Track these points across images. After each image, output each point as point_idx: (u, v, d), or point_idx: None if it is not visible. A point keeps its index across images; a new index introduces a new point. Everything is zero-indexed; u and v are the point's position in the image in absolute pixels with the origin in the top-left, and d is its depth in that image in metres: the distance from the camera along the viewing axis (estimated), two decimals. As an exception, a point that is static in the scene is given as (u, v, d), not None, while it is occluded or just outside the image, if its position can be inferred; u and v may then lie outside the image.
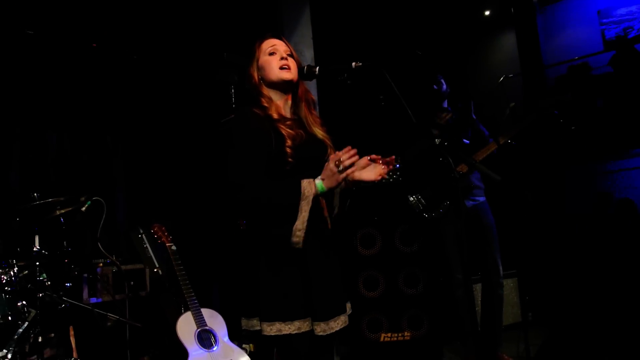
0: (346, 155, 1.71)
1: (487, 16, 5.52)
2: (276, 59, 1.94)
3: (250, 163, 1.79)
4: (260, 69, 1.96)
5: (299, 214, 1.74)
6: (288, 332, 1.76)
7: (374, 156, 1.85)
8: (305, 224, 1.75)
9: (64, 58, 3.83)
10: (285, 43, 2.01)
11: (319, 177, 1.77)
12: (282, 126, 1.85)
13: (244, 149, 1.81)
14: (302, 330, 1.78)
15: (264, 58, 1.96)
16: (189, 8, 4.00)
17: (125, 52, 3.81)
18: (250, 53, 2.01)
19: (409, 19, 4.93)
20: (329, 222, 1.94)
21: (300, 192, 1.74)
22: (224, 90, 3.81)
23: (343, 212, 2.01)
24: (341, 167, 1.72)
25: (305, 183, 1.76)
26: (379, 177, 1.86)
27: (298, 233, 1.75)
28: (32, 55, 3.73)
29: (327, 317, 1.81)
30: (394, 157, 1.85)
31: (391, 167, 1.85)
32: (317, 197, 1.77)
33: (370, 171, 1.86)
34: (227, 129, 1.90)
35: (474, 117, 3.36)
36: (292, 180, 1.78)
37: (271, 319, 1.77)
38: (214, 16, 4.05)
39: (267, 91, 1.95)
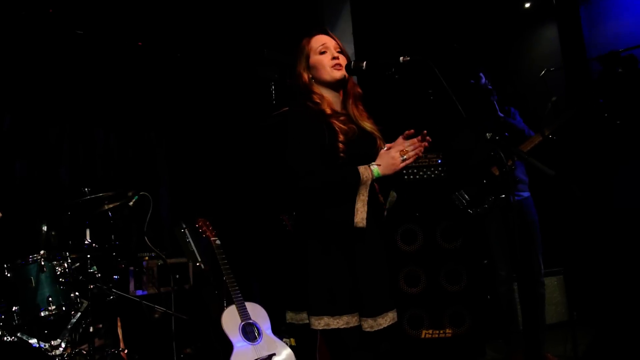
0: (412, 147, 1.79)
1: (527, 8, 5.40)
2: (328, 58, 1.94)
3: (309, 152, 1.82)
4: (311, 67, 1.96)
5: (358, 197, 1.79)
6: (336, 327, 1.77)
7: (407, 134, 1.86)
8: (365, 207, 1.79)
9: (111, 57, 3.94)
10: (334, 39, 2.01)
11: (374, 163, 1.81)
12: (335, 121, 1.86)
13: (302, 139, 1.84)
14: (351, 325, 1.79)
15: (315, 57, 1.96)
16: (230, 5, 4.04)
17: (169, 50, 3.89)
18: (297, 50, 2.00)
19: (449, 13, 4.87)
20: (381, 214, 1.96)
21: (360, 176, 1.79)
22: (264, 86, 3.85)
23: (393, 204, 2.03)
24: (405, 157, 1.78)
25: (362, 169, 1.80)
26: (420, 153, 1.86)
27: (360, 214, 1.78)
28: (81, 55, 3.84)
29: (375, 314, 1.81)
30: (425, 132, 1.85)
31: (425, 145, 1.85)
32: (373, 182, 1.82)
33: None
34: (278, 121, 1.93)
35: (501, 115, 3.29)
36: (349, 169, 1.82)
37: (320, 312, 1.78)
38: (254, 13, 4.08)
39: (318, 89, 1.96)
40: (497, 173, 3.15)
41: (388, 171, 1.80)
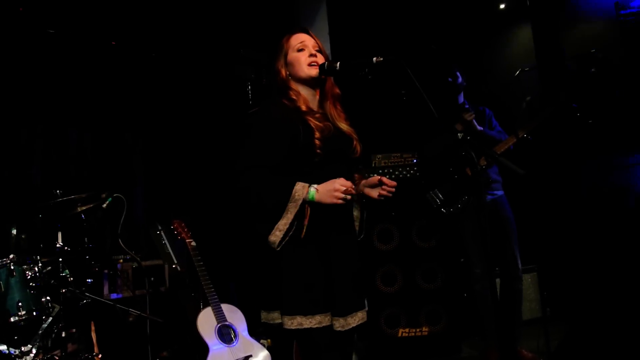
0: (352, 190, 1.79)
1: (502, 9, 5.47)
2: (305, 55, 1.95)
3: (259, 153, 1.80)
4: (288, 64, 1.97)
5: (284, 214, 1.76)
6: (309, 326, 1.78)
7: (384, 179, 1.92)
8: (287, 227, 1.77)
9: (84, 56, 3.87)
10: (314, 38, 2.02)
11: (315, 185, 1.78)
12: (311, 118, 1.86)
13: (258, 139, 1.83)
14: (323, 324, 1.80)
15: (292, 54, 1.97)
16: (206, 4, 4.01)
17: (143, 50, 3.84)
18: (277, 47, 2.02)
19: (425, 13, 4.90)
20: (357, 223, 1.99)
21: (291, 193, 1.76)
22: (240, 86, 3.82)
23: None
24: (345, 196, 1.76)
25: (299, 186, 1.77)
26: (378, 197, 1.94)
27: (277, 233, 1.77)
28: (53, 54, 3.77)
29: (345, 313, 1.83)
30: (395, 184, 1.92)
31: (391, 193, 1.92)
32: (305, 203, 1.77)
33: (375, 190, 1.95)
34: (250, 119, 1.92)
35: (480, 128, 3.32)
36: (288, 180, 1.79)
37: (292, 312, 1.79)
38: (231, 12, 4.05)
39: (295, 86, 1.96)
40: (470, 173, 3.19)
41: (324, 199, 1.76)
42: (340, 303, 1.82)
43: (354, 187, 1.80)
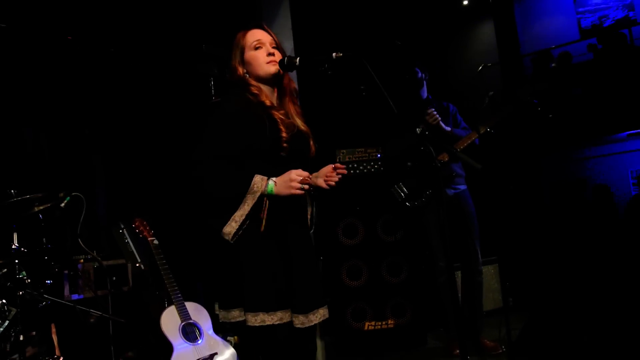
0: (309, 180, 1.79)
1: (465, 6, 5.56)
2: (263, 53, 1.93)
3: (218, 144, 1.79)
4: (246, 63, 1.94)
5: (241, 206, 1.76)
6: (271, 323, 1.77)
7: (338, 165, 1.90)
8: (243, 218, 1.76)
9: (38, 51, 3.75)
10: (270, 34, 1.99)
11: (273, 178, 1.78)
12: (276, 113, 1.86)
13: (217, 130, 1.81)
14: (285, 320, 1.80)
15: (250, 53, 1.94)
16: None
17: (101, 45, 3.74)
18: (231, 44, 1.98)
19: (389, 9, 4.93)
20: (309, 217, 1.98)
21: (250, 185, 1.75)
22: (203, 82, 3.77)
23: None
24: (302, 186, 1.76)
25: (257, 178, 1.77)
26: (326, 186, 1.89)
27: (233, 224, 1.76)
28: (6, 49, 3.64)
29: (306, 310, 1.84)
30: (345, 171, 1.89)
31: (339, 178, 1.88)
32: (263, 196, 1.77)
33: (321, 179, 1.91)
34: (211, 110, 1.90)
35: (448, 128, 3.36)
36: (246, 173, 1.78)
37: (255, 309, 1.78)
38: (192, 7, 3.99)
39: (255, 83, 1.94)
40: (446, 159, 3.22)
41: (282, 191, 1.77)
42: (300, 300, 1.83)
43: (310, 176, 1.80)
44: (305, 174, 1.78)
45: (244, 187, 1.75)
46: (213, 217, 1.81)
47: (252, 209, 1.76)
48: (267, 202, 1.79)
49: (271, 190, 1.77)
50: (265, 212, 1.79)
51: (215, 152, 1.77)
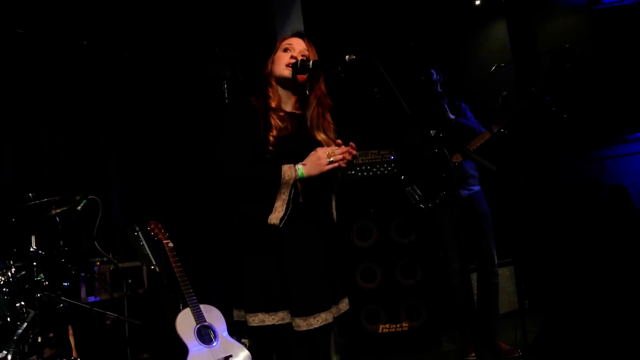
0: (339, 151, 1.80)
1: (478, 5, 5.52)
2: (287, 56, 1.97)
3: (237, 146, 1.83)
4: (273, 62, 2.00)
5: (279, 196, 1.79)
6: (271, 323, 1.78)
7: (338, 142, 1.89)
8: (284, 207, 1.79)
9: (54, 56, 3.80)
10: (307, 44, 2.02)
11: (300, 163, 1.82)
12: (273, 115, 1.90)
13: (231, 133, 1.86)
14: (287, 320, 1.80)
15: (278, 53, 2.00)
16: (180, 2, 3.97)
17: (116, 49, 3.78)
18: (244, 46, 2.06)
19: (401, 10, 4.92)
20: (314, 213, 1.92)
21: (281, 176, 1.79)
22: (216, 85, 3.79)
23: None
24: (332, 159, 1.77)
25: (285, 167, 1.80)
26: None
27: (277, 213, 1.78)
28: (23, 54, 3.69)
29: (305, 314, 1.79)
30: (352, 144, 1.89)
31: (350, 157, 1.87)
32: (296, 182, 1.81)
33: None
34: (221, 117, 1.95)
35: (452, 116, 3.35)
36: (272, 165, 1.82)
37: (254, 309, 1.80)
38: (205, 10, 4.02)
39: (274, 83, 1.99)
40: (459, 160, 3.22)
41: (313, 171, 1.80)
42: (297, 303, 1.80)
43: (344, 150, 1.81)
44: (330, 148, 1.81)
45: (277, 178, 1.79)
46: (255, 212, 1.83)
47: (289, 198, 1.80)
48: (301, 187, 1.83)
49: (302, 174, 1.80)
50: (301, 197, 1.83)
51: (239, 153, 1.82)
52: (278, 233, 1.81)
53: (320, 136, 1.97)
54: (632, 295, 3.34)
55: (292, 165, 1.81)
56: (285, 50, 1.99)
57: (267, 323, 1.78)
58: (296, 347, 1.83)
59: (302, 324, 1.78)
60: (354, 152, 1.87)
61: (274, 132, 1.85)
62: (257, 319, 1.78)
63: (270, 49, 2.09)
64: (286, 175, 1.79)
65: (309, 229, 1.88)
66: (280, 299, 1.80)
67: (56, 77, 3.87)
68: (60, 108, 3.95)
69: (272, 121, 1.88)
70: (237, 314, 1.91)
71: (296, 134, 1.91)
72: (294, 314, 1.80)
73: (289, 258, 1.82)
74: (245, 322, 1.86)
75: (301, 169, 1.80)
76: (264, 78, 2.00)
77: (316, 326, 1.80)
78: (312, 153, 1.82)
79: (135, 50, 3.83)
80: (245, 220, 1.86)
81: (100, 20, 3.76)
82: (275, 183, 1.79)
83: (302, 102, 2.01)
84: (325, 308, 1.84)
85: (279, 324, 1.79)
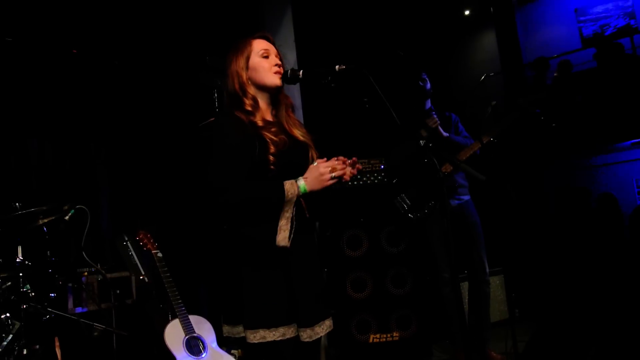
0: (341, 165, 1.78)
1: (467, 16, 5.58)
2: (270, 63, 1.91)
3: (233, 166, 1.77)
4: (251, 69, 1.91)
5: (283, 215, 1.76)
6: (272, 339, 1.75)
7: (341, 157, 1.87)
8: (289, 225, 1.76)
9: (44, 64, 3.78)
10: (275, 47, 1.99)
11: (301, 177, 1.79)
12: (266, 133, 1.83)
13: (226, 153, 1.79)
14: (287, 336, 1.77)
15: (256, 59, 1.91)
16: (170, 11, 3.97)
17: (106, 58, 3.77)
18: (234, 49, 1.94)
19: (391, 20, 4.95)
20: (311, 225, 1.94)
21: (284, 193, 1.75)
22: (206, 94, 3.79)
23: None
24: (334, 174, 1.76)
25: (288, 185, 1.77)
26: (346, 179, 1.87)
27: (283, 233, 1.75)
28: (12, 62, 3.67)
29: (312, 323, 1.81)
30: (355, 159, 1.88)
31: (355, 171, 1.87)
32: (299, 198, 1.78)
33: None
34: (207, 134, 1.88)
35: (446, 134, 3.36)
36: (275, 182, 1.78)
37: (255, 326, 1.75)
38: (196, 19, 4.02)
39: (254, 92, 1.91)
40: (449, 170, 3.23)
41: (315, 187, 1.77)
42: (305, 314, 1.80)
43: (342, 160, 1.80)
44: (332, 162, 1.78)
45: (281, 196, 1.75)
46: (259, 233, 1.79)
47: (293, 215, 1.77)
48: (304, 203, 1.82)
49: (304, 190, 1.77)
50: (306, 211, 1.82)
51: (235, 173, 1.76)
52: (282, 250, 1.79)
53: (300, 135, 1.95)
54: (622, 302, 3.36)
55: (293, 181, 1.77)
56: (265, 56, 1.91)
57: (268, 339, 1.74)
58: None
59: (312, 334, 1.80)
60: (360, 166, 1.87)
61: (272, 149, 1.80)
62: (258, 336, 1.74)
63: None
64: (289, 193, 1.75)
65: (308, 240, 1.89)
66: (284, 313, 1.77)
67: (46, 85, 3.85)
68: (50, 117, 3.93)
69: (268, 139, 1.81)
70: (228, 330, 1.85)
71: (289, 145, 1.87)
72: (301, 325, 1.79)
73: (297, 271, 1.81)
74: (236, 338, 1.84)
75: (303, 185, 1.77)
76: (240, 87, 1.88)
77: (322, 334, 1.83)
78: (312, 168, 1.79)
79: (126, 59, 3.81)
80: (248, 241, 1.80)
81: (90, 29, 3.75)
82: (279, 202, 1.75)
83: (276, 107, 1.97)
84: (327, 315, 1.88)
85: (279, 340, 1.75)
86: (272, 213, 1.76)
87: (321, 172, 1.77)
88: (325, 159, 1.85)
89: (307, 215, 1.85)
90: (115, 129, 4.16)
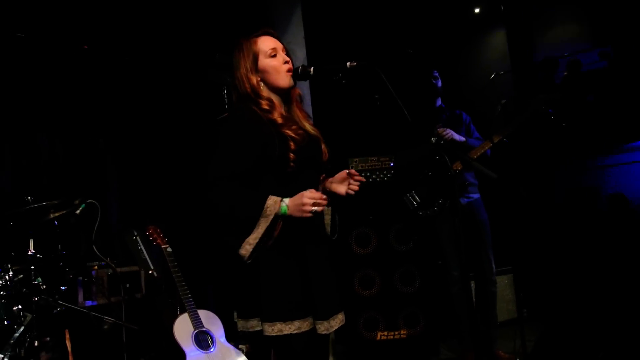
0: (324, 202, 1.74)
1: (477, 14, 5.54)
2: (279, 61, 1.90)
3: (230, 164, 1.76)
4: (261, 71, 1.89)
5: (255, 229, 1.74)
6: (289, 332, 1.77)
7: (352, 171, 1.88)
8: (257, 240, 1.75)
9: (54, 60, 3.80)
10: (280, 41, 1.98)
11: (286, 200, 1.76)
12: (287, 130, 1.82)
13: (227, 150, 1.79)
14: (302, 330, 1.79)
15: (266, 60, 1.89)
16: (179, 8, 3.98)
17: (116, 54, 3.79)
18: (239, 50, 1.91)
19: (401, 18, 4.94)
20: (327, 225, 1.98)
21: (263, 208, 1.73)
22: (216, 90, 3.80)
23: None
24: (315, 208, 1.73)
25: (270, 201, 1.75)
26: (345, 193, 1.89)
27: (247, 247, 1.75)
28: (23, 58, 3.70)
29: (327, 316, 1.84)
30: (363, 178, 1.90)
31: (357, 186, 1.88)
32: (277, 217, 1.76)
33: (344, 185, 1.90)
34: (220, 126, 1.88)
35: (462, 139, 3.34)
36: (259, 194, 1.77)
37: (273, 319, 1.77)
38: (205, 16, 4.03)
39: (267, 94, 1.91)
40: (459, 168, 3.22)
41: (295, 213, 1.74)
42: (321, 306, 1.83)
43: (324, 198, 1.76)
44: (318, 195, 1.74)
45: (258, 210, 1.73)
46: (229, 235, 1.81)
47: (265, 231, 1.75)
48: (281, 223, 1.78)
49: (285, 212, 1.75)
50: (277, 232, 1.78)
51: (228, 172, 1.75)
52: (301, 242, 1.82)
53: (309, 128, 1.95)
54: (632, 303, 3.34)
55: (278, 199, 1.75)
56: (273, 56, 1.89)
57: (285, 332, 1.76)
58: (307, 356, 1.83)
59: (327, 327, 1.83)
60: (362, 178, 1.87)
61: (293, 146, 1.79)
62: (276, 328, 1.76)
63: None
64: (269, 209, 1.74)
65: (321, 234, 1.93)
66: (301, 306, 1.79)
67: (56, 81, 3.87)
68: (60, 113, 3.95)
69: (289, 136, 1.81)
70: (242, 325, 1.86)
71: (305, 138, 1.87)
72: (317, 318, 1.82)
73: (313, 263, 1.83)
74: (246, 332, 1.85)
75: (285, 207, 1.75)
76: (250, 92, 1.87)
77: (336, 327, 1.86)
78: (298, 195, 1.74)
79: (136, 55, 3.83)
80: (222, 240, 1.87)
81: (101, 25, 3.77)
82: (256, 214, 1.74)
83: (287, 102, 1.97)
84: (340, 309, 1.91)
85: (294, 333, 1.77)
86: (245, 224, 1.76)
87: (304, 202, 1.72)
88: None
89: (275, 235, 1.80)
90: (124, 125, 4.18)
